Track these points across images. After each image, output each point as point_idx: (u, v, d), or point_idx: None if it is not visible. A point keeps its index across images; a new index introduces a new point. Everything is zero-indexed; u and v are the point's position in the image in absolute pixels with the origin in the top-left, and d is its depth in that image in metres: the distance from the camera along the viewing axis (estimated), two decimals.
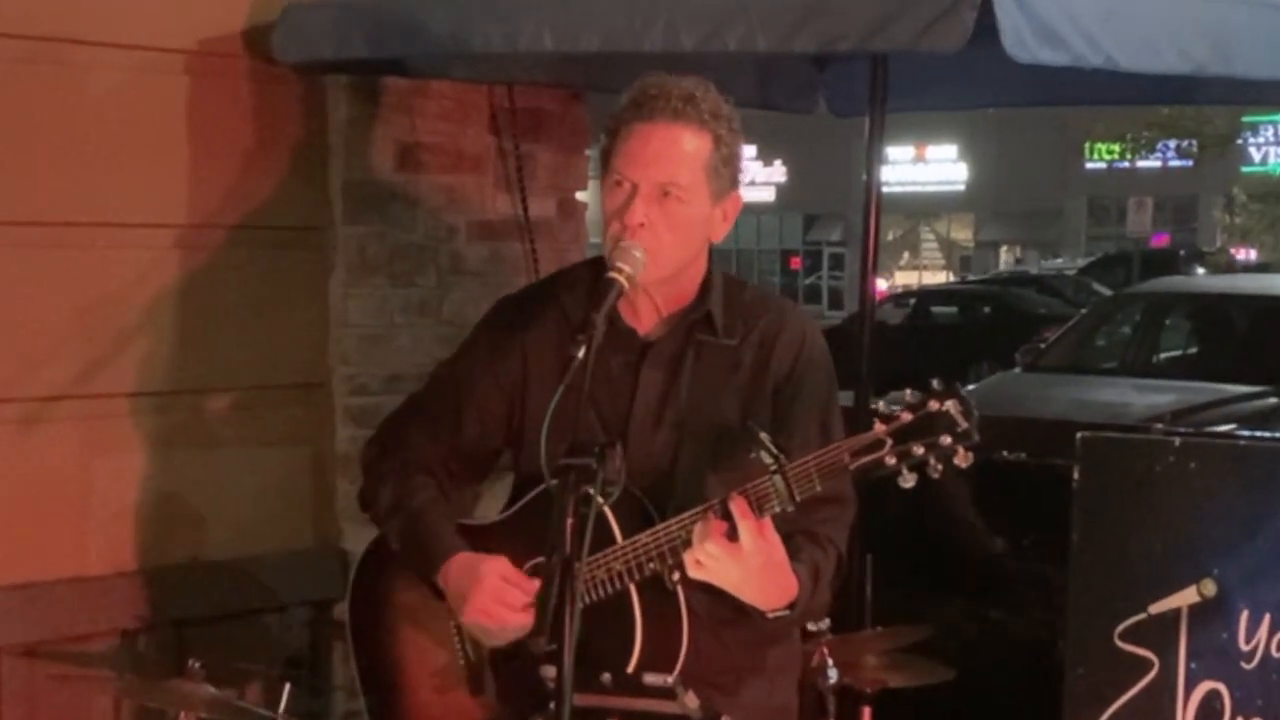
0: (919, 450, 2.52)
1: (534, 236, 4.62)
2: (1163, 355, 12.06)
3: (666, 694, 2.59)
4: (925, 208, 42.65)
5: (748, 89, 4.61)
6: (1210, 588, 3.20)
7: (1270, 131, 34.13)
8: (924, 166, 41.74)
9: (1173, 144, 30.92)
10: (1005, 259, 42.32)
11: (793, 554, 2.66)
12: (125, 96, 3.95)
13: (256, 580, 4.18)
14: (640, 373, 2.80)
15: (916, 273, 43.54)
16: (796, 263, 43.83)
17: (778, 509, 2.57)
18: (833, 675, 3.61)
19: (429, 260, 4.44)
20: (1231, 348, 11.30)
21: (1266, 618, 3.18)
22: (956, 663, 3.81)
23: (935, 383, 2.54)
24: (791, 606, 2.68)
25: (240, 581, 4.15)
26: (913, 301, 22.85)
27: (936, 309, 22.18)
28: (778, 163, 40.94)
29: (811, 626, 3.45)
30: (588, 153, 4.82)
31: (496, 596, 2.73)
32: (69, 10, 3.87)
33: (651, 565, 2.65)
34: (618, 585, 2.67)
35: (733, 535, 2.55)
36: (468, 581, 2.76)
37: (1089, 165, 38.54)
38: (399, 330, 4.40)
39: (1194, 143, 29.45)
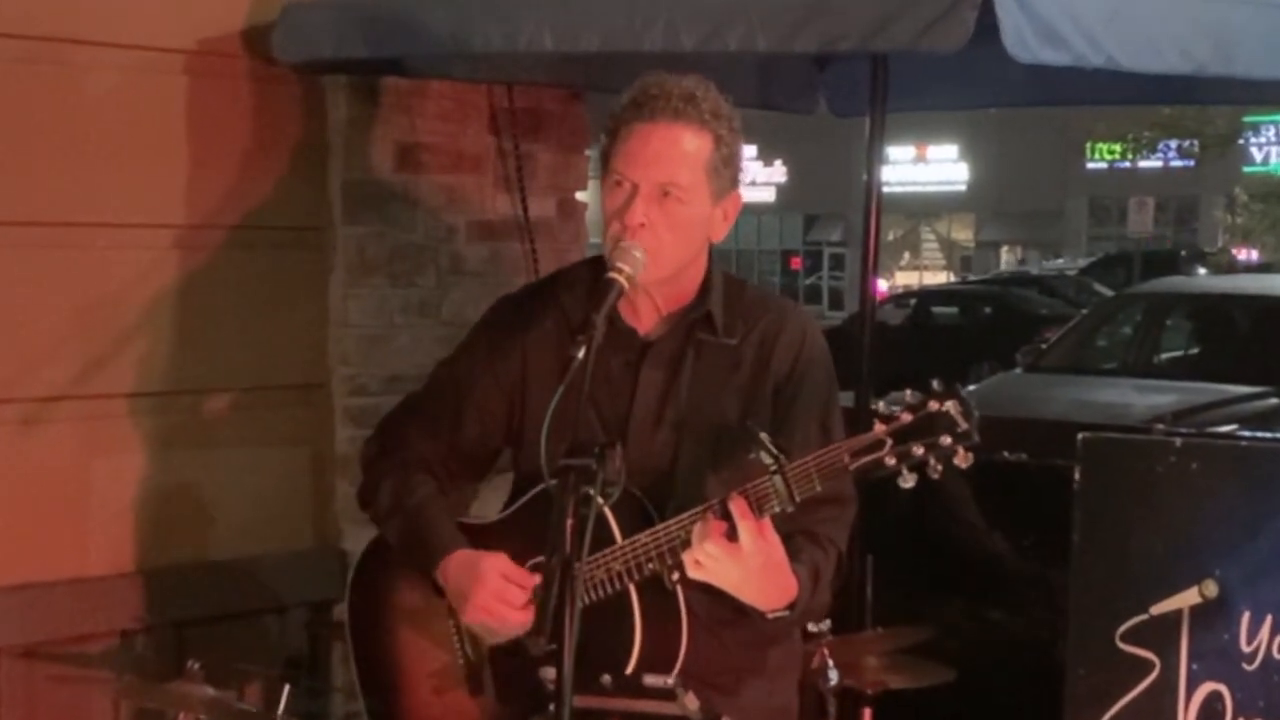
0: (919, 451, 2.51)
1: (534, 236, 4.61)
2: (1164, 356, 12.06)
3: (666, 695, 2.59)
4: (926, 208, 42.65)
5: (748, 89, 4.61)
6: (1212, 589, 3.19)
7: (1272, 131, 34.12)
8: (925, 166, 41.74)
9: (1174, 144, 30.95)
10: (1006, 259, 42.32)
11: (793, 554, 2.66)
12: (124, 96, 3.95)
13: (256, 581, 4.18)
14: (640, 372, 2.80)
15: (917, 273, 43.54)
16: (797, 263, 43.84)
17: (777, 509, 2.57)
18: (833, 676, 3.61)
19: (429, 260, 4.44)
20: (1233, 348, 11.30)
21: (1268, 619, 3.18)
22: (957, 664, 3.80)
23: (935, 383, 2.54)
24: (791, 607, 2.67)
25: (240, 582, 4.14)
26: (913, 302, 22.83)
27: (937, 309, 22.17)
28: (778, 163, 40.95)
29: (812, 628, 3.45)
30: (588, 153, 4.81)
31: (498, 594, 2.73)
32: (68, 10, 3.86)
33: (651, 565, 2.65)
34: (617, 585, 2.67)
35: (732, 535, 2.55)
36: (468, 579, 2.76)
37: (1090, 165, 38.54)
38: (399, 331, 4.39)
39: (1195, 143, 29.46)
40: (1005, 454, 4.65)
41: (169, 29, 3.99)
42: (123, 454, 4.01)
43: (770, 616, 2.67)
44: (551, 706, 2.35)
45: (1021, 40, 3.09)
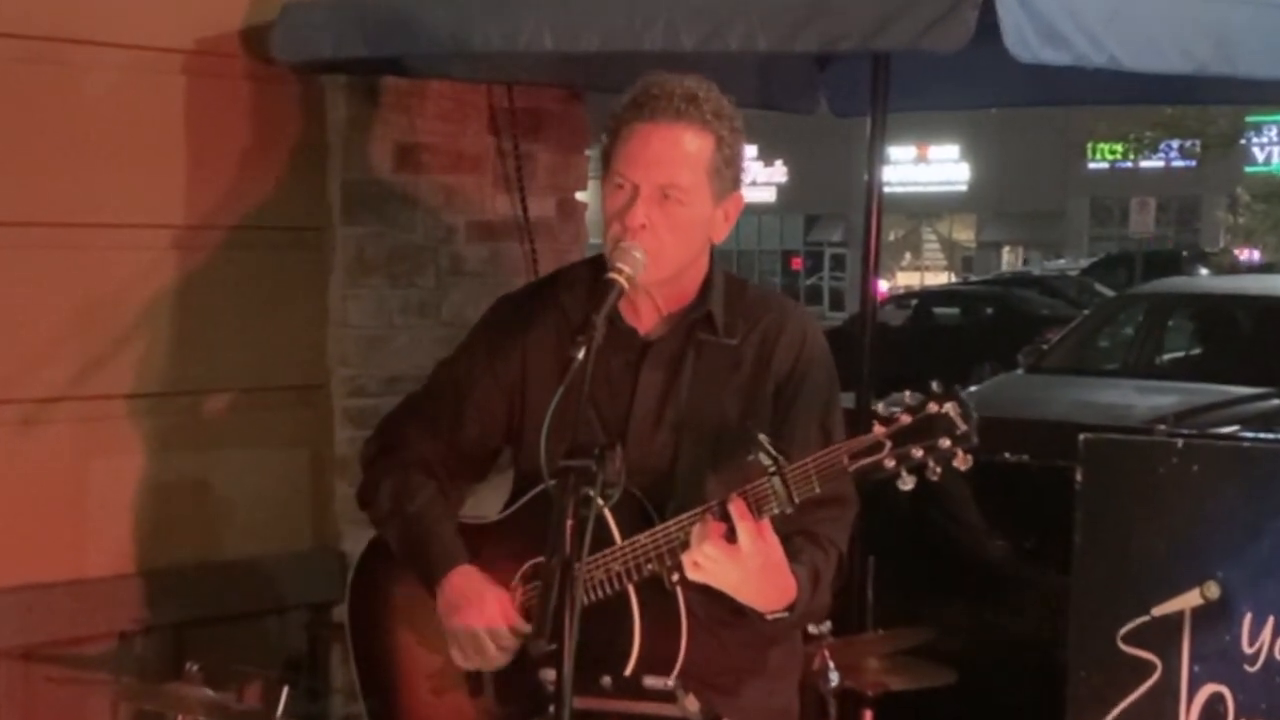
0: (918, 453, 2.50)
1: (534, 237, 4.61)
2: (1166, 356, 12.06)
3: (667, 697, 2.58)
4: (927, 208, 42.64)
5: (748, 89, 4.60)
6: (1214, 590, 3.19)
7: (1274, 131, 34.10)
8: (926, 167, 41.73)
9: (1176, 144, 30.94)
10: (1007, 259, 42.31)
11: (792, 555, 2.65)
12: (123, 96, 3.94)
13: (255, 582, 4.17)
14: (640, 373, 2.79)
15: (918, 273, 43.54)
16: (798, 263, 43.83)
17: (776, 511, 2.56)
18: (834, 678, 3.60)
19: (428, 261, 4.44)
20: (1235, 349, 11.29)
21: (1270, 620, 3.17)
22: (958, 666, 3.80)
23: (934, 385, 2.53)
24: (790, 609, 2.67)
25: (239, 584, 4.14)
26: (914, 302, 22.82)
27: (938, 310, 22.17)
28: (779, 163, 40.94)
29: (813, 629, 3.44)
30: (588, 153, 4.81)
31: (490, 629, 2.75)
32: (67, 10, 3.86)
33: (650, 566, 2.64)
34: (616, 586, 2.66)
35: (731, 537, 2.54)
36: (470, 599, 2.77)
37: (1091, 165, 38.51)
38: (398, 331, 4.39)
39: (1197, 143, 29.46)
40: (1007, 455, 4.64)
41: (168, 29, 3.99)
42: (122, 455, 4.00)
43: (769, 618, 2.67)
44: (551, 708, 2.35)
45: (1023, 40, 3.08)
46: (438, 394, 2.96)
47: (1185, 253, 29.81)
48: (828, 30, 3.32)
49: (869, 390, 4.12)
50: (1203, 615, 3.21)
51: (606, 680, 2.58)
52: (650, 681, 2.59)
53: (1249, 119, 30.51)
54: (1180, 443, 3.31)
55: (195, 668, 3.26)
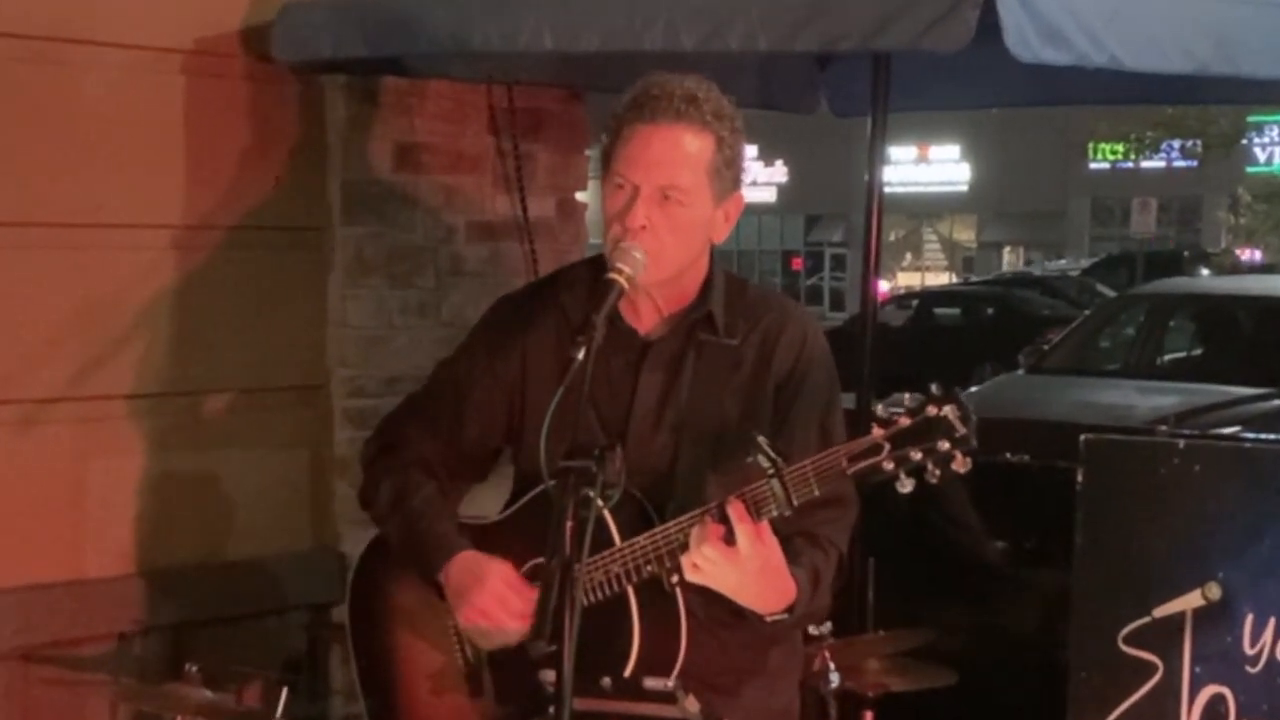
0: (917, 456, 2.50)
1: (533, 237, 4.61)
2: (1167, 357, 12.05)
3: (667, 698, 2.58)
4: (928, 208, 42.63)
5: (749, 89, 4.59)
6: (1215, 591, 3.18)
7: (1276, 131, 34.09)
8: (926, 167, 41.72)
9: (1177, 144, 30.92)
10: (1008, 260, 42.30)
11: (792, 557, 2.65)
12: (122, 96, 3.94)
13: (254, 583, 4.17)
14: (641, 373, 2.79)
15: (919, 274, 43.52)
16: (798, 264, 43.83)
17: (775, 513, 2.56)
18: (834, 679, 3.60)
19: (428, 261, 4.43)
20: (1236, 349, 11.29)
21: (1272, 621, 3.17)
22: (959, 667, 3.79)
23: (934, 387, 2.53)
24: (790, 610, 2.67)
25: (238, 584, 4.14)
26: (915, 303, 22.81)
27: (939, 310, 22.16)
28: (779, 163, 40.93)
29: (813, 630, 3.44)
30: (588, 153, 4.80)
31: (498, 599, 2.72)
32: (66, 9, 3.86)
33: (649, 568, 2.64)
34: (616, 587, 2.66)
35: (730, 539, 2.54)
36: (469, 580, 2.75)
37: (1092, 165, 38.50)
38: (397, 332, 4.38)
39: (1198, 143, 29.45)
40: (1008, 456, 4.63)
41: (167, 28, 3.99)
42: (121, 455, 4.00)
43: (769, 620, 2.66)
44: (551, 709, 2.34)
45: (1023, 40, 3.08)
46: (438, 394, 2.96)
47: (1187, 253, 29.78)
48: (828, 30, 3.31)
49: (869, 391, 4.11)
50: (1204, 616, 3.20)
51: (606, 681, 2.58)
52: (650, 682, 2.59)
53: (1250, 119, 30.50)
54: (1181, 443, 3.31)
55: (194, 668, 3.26)
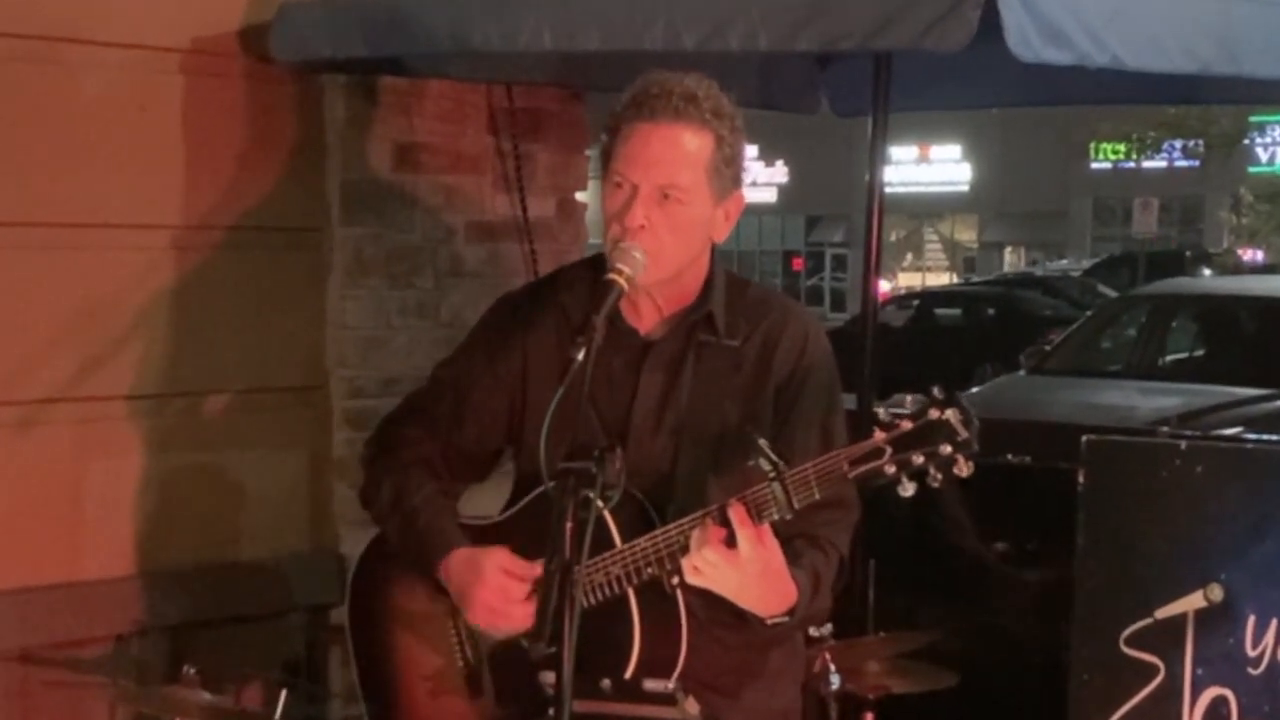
0: (918, 459, 2.49)
1: (533, 237, 4.60)
2: (1169, 357, 12.05)
3: (667, 699, 2.57)
4: (929, 208, 42.65)
5: (749, 88, 4.58)
6: (1217, 592, 3.18)
7: (1278, 131, 34.10)
8: (927, 167, 41.74)
9: (1179, 144, 30.96)
10: (1009, 260, 42.31)
11: (793, 559, 2.64)
12: (120, 96, 3.93)
13: (253, 585, 4.16)
14: (641, 374, 2.78)
15: (920, 274, 43.53)
16: (799, 264, 43.85)
17: (776, 516, 2.55)
18: (835, 681, 3.60)
19: (427, 262, 4.42)
20: (1238, 350, 11.30)
21: (1274, 623, 3.17)
22: (960, 668, 3.78)
23: (936, 390, 2.52)
24: (791, 613, 2.66)
25: (236, 586, 4.13)
26: (916, 303, 22.78)
27: (940, 311, 22.13)
28: (780, 163, 40.94)
29: (814, 632, 3.44)
30: (587, 153, 4.80)
31: (500, 592, 2.71)
32: (65, 9, 3.85)
33: (650, 570, 2.63)
34: (616, 589, 2.65)
35: (731, 542, 2.53)
36: (470, 578, 2.75)
37: (1094, 165, 38.52)
38: (396, 332, 4.38)
39: (1200, 143, 29.49)
40: (1009, 457, 4.62)
41: (165, 28, 3.98)
42: (119, 457, 3.99)
43: (769, 622, 2.66)
44: (551, 710, 2.34)
45: (1025, 39, 3.07)
46: (438, 394, 2.95)
47: (1188, 253, 29.77)
48: (829, 30, 3.31)
49: (870, 391, 4.11)
50: (1206, 618, 3.20)
51: (606, 683, 2.57)
52: (650, 684, 2.58)
53: (1252, 119, 30.52)
54: (1183, 444, 3.30)
55: (193, 670, 3.25)
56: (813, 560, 2.70)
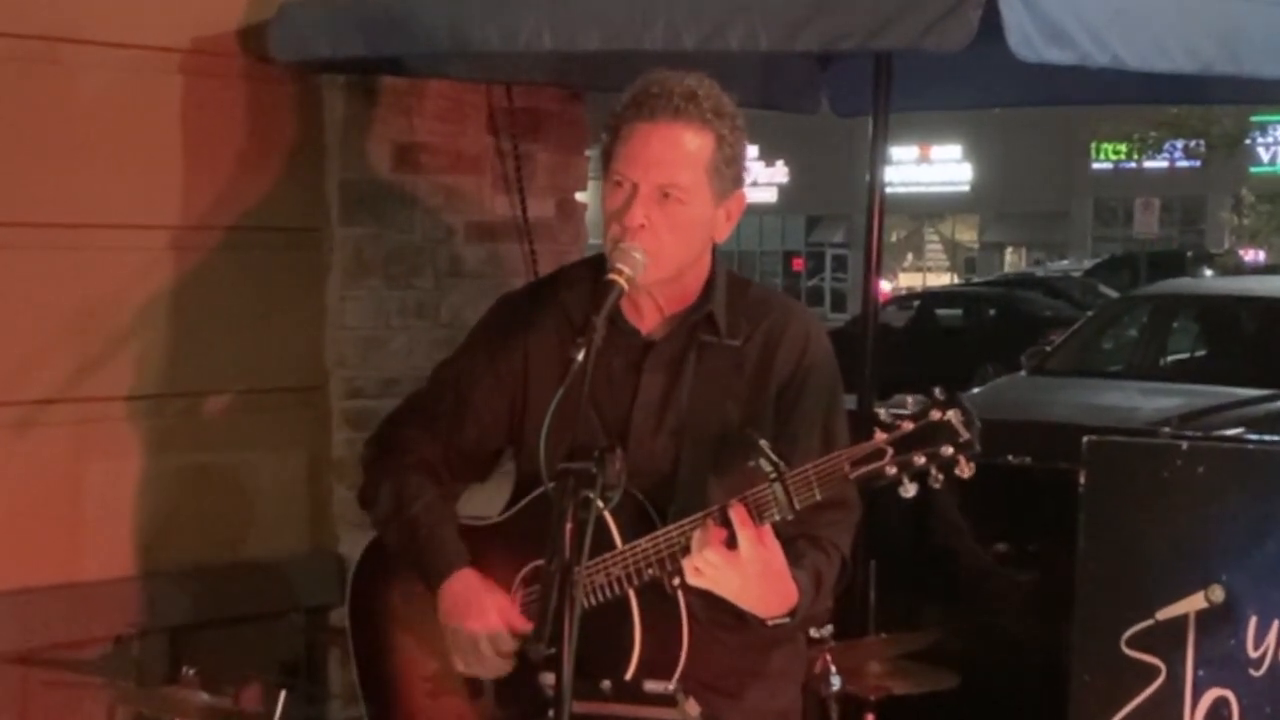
0: (920, 460, 2.49)
1: (533, 237, 4.60)
2: (1170, 358, 12.05)
3: (667, 701, 2.57)
4: (929, 209, 42.67)
5: (750, 88, 4.57)
6: (1218, 594, 3.18)
7: (1279, 131, 34.09)
8: (928, 167, 41.76)
9: (1180, 144, 30.99)
10: (1010, 260, 42.31)
11: (794, 559, 2.64)
12: (119, 96, 3.93)
13: (252, 586, 4.15)
14: (642, 373, 2.78)
15: (920, 274, 43.55)
16: (799, 264, 43.85)
17: (777, 517, 2.55)
18: (836, 682, 3.60)
19: (426, 262, 4.42)
20: (1240, 350, 11.30)
21: (1275, 624, 3.16)
22: (961, 669, 3.78)
23: (937, 391, 2.52)
24: (792, 614, 2.66)
25: (235, 587, 4.12)
26: (917, 304, 22.78)
27: (941, 311, 22.13)
28: (780, 163, 40.95)
29: (815, 633, 3.43)
30: (587, 153, 4.79)
31: (492, 639, 2.73)
32: (63, 9, 3.85)
33: (650, 571, 2.63)
34: (616, 590, 2.65)
35: (732, 543, 2.53)
36: (469, 608, 2.75)
37: (1095, 166, 38.54)
38: (396, 333, 4.37)
39: (1201, 143, 29.52)
40: (1010, 458, 4.62)
41: (164, 28, 3.98)
42: (118, 457, 3.99)
43: (770, 623, 2.65)
44: (551, 712, 2.34)
45: (1026, 39, 3.06)
46: (438, 395, 2.95)
47: (1190, 254, 29.78)
48: (829, 29, 3.30)
49: (871, 392, 4.11)
50: (1207, 619, 3.20)
51: (607, 684, 2.57)
52: (651, 685, 2.58)
53: (1254, 119, 30.57)
54: (1185, 445, 3.30)
55: (192, 671, 3.25)
56: (814, 561, 2.69)
